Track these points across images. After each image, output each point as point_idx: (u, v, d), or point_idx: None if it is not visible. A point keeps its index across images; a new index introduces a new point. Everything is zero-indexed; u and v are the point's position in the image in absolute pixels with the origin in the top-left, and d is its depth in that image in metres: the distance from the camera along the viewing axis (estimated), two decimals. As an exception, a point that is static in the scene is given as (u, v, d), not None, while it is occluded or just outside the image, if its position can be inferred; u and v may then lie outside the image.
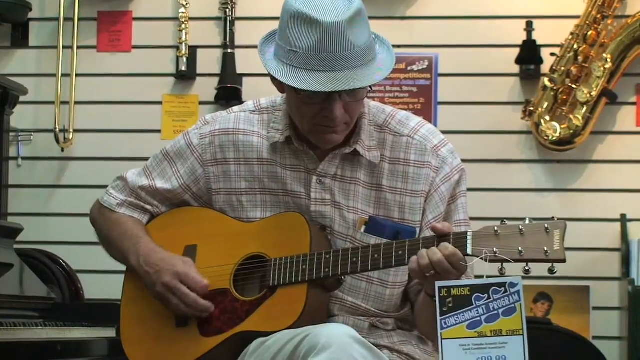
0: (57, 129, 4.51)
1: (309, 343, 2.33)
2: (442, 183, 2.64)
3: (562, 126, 4.34)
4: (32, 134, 4.61)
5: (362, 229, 2.61)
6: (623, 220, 4.35)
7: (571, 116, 4.33)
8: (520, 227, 2.38)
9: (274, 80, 2.58)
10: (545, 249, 2.35)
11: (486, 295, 2.29)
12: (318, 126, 2.55)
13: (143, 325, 2.71)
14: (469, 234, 2.41)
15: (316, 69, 2.47)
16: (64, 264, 4.12)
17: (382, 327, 2.64)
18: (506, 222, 2.41)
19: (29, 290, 3.68)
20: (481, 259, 2.36)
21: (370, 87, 2.54)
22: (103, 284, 4.24)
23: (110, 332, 3.64)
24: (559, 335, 3.92)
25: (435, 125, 4.32)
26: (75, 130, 4.56)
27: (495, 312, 2.28)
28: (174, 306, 2.63)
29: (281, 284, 2.55)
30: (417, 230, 2.62)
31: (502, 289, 2.29)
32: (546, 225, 2.37)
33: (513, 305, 2.28)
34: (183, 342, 2.63)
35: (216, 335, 2.60)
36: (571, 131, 4.34)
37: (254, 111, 2.73)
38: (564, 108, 4.35)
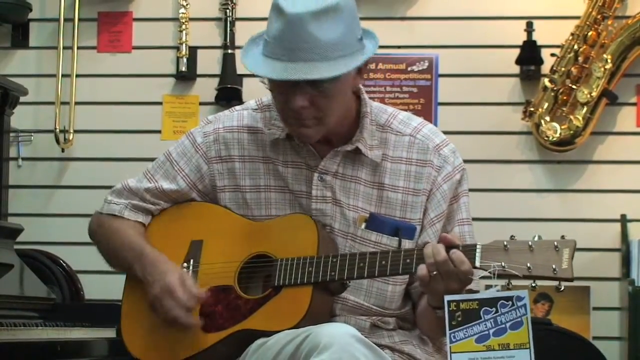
0: (57, 130, 4.51)
1: (310, 343, 2.33)
2: (444, 182, 2.65)
3: (563, 127, 4.34)
4: (32, 134, 4.61)
5: (363, 226, 2.62)
6: (623, 220, 4.35)
7: (571, 117, 4.33)
8: (530, 243, 2.39)
9: None
10: (554, 266, 2.35)
11: (494, 308, 2.30)
12: (288, 118, 2.58)
13: (144, 317, 2.71)
14: (478, 247, 2.41)
15: (278, 57, 2.49)
16: (64, 265, 4.12)
17: (383, 327, 2.64)
18: (516, 237, 2.41)
19: (29, 291, 3.68)
20: (489, 272, 2.37)
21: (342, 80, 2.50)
22: (103, 284, 4.24)
23: (110, 333, 3.64)
24: (559, 335, 3.92)
25: (436, 125, 4.30)
26: (75, 131, 4.56)
27: (503, 325, 2.30)
28: (163, 318, 2.62)
29: (286, 285, 2.55)
30: (418, 227, 2.63)
31: (510, 302, 2.30)
32: (556, 243, 2.38)
33: (520, 319, 2.30)
34: (184, 336, 2.63)
35: (217, 332, 2.60)
36: (571, 132, 4.34)
37: (256, 109, 2.74)
38: (564, 108, 4.35)
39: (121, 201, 2.79)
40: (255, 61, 2.54)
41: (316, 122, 2.56)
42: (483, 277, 2.44)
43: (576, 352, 3.90)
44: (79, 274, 4.16)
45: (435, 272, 2.40)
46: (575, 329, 4.08)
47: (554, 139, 4.35)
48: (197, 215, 2.75)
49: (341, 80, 2.51)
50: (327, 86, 2.50)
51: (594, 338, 4.26)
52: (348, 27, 2.51)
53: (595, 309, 4.36)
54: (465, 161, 2.74)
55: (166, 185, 2.77)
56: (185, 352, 2.63)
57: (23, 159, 4.61)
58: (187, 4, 4.55)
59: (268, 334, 2.49)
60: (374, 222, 2.62)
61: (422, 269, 2.41)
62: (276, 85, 2.54)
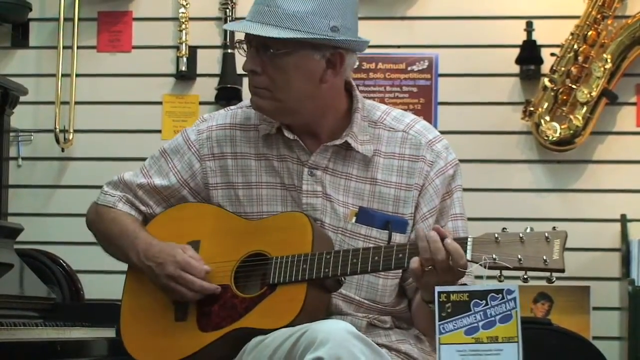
0: (57, 129, 4.51)
1: (307, 339, 2.34)
2: (437, 176, 2.66)
3: (562, 126, 4.34)
4: (32, 134, 4.61)
5: (353, 220, 2.63)
6: (623, 220, 4.35)
7: (571, 116, 4.33)
8: (521, 235, 2.39)
9: None
10: (545, 257, 2.35)
11: (484, 301, 2.30)
12: (249, 86, 2.64)
13: (143, 318, 2.72)
14: (469, 239, 2.42)
15: (247, 17, 2.60)
16: (64, 264, 4.12)
17: (379, 326, 2.65)
18: (507, 230, 2.41)
19: (29, 291, 3.68)
20: (480, 265, 2.37)
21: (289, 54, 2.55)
22: (103, 284, 4.25)
23: (110, 332, 3.64)
24: (559, 335, 3.92)
25: (435, 125, 4.32)
26: (75, 131, 4.56)
27: (492, 318, 2.29)
28: (181, 295, 2.64)
29: (281, 282, 2.55)
30: (409, 221, 2.64)
31: (500, 295, 2.30)
32: (546, 234, 2.38)
33: (509, 312, 2.29)
34: (181, 336, 2.64)
35: (214, 331, 2.61)
36: (571, 131, 4.34)
37: (250, 106, 2.75)
38: (564, 108, 4.35)
39: (116, 193, 2.82)
40: (235, 22, 2.67)
41: (269, 95, 2.61)
42: (477, 277, 2.44)
43: (576, 352, 3.90)
44: (78, 273, 4.16)
45: (430, 267, 2.40)
46: (575, 328, 4.09)
47: (554, 138, 4.35)
48: (194, 216, 2.76)
49: (295, 57, 2.55)
50: (276, 54, 2.55)
51: (594, 338, 4.26)
52: (319, 11, 2.54)
53: (595, 308, 4.36)
54: (465, 161, 2.75)
55: (158, 181, 2.79)
56: (182, 352, 2.63)
57: (23, 158, 4.62)
58: (187, 4, 4.55)
59: (264, 332, 2.49)
60: (364, 216, 2.64)
61: (414, 262, 2.42)
62: (246, 49, 2.62)
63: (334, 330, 2.32)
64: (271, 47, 2.55)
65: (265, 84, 2.59)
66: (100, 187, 2.88)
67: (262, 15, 2.55)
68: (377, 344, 2.51)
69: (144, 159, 2.88)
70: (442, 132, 2.75)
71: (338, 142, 2.64)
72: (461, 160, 2.73)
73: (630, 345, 4.13)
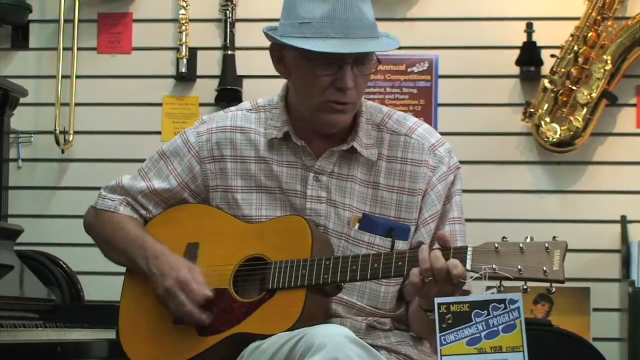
0: (57, 131, 4.52)
1: (304, 344, 2.33)
2: (439, 182, 2.65)
3: (562, 128, 4.35)
4: (32, 135, 4.62)
5: (356, 226, 2.63)
6: (623, 221, 4.35)
7: (571, 118, 4.34)
8: (521, 245, 2.37)
9: (280, 63, 2.61)
10: (545, 268, 2.34)
11: (486, 311, 2.29)
12: (328, 103, 2.56)
13: (142, 320, 2.71)
14: (469, 249, 2.40)
15: (330, 36, 2.51)
16: (64, 266, 4.12)
17: (379, 327, 2.64)
18: (507, 239, 2.40)
19: (29, 292, 3.68)
20: (480, 275, 2.36)
21: (377, 62, 2.59)
22: (103, 285, 4.24)
23: (110, 334, 3.64)
24: (559, 336, 3.92)
25: (435, 126, 4.32)
26: (75, 132, 4.56)
27: (495, 328, 2.28)
28: (171, 312, 2.64)
29: (280, 288, 2.54)
30: (412, 227, 2.64)
31: (502, 305, 2.29)
32: (547, 245, 2.36)
33: (513, 322, 2.28)
34: (180, 340, 2.63)
35: (213, 335, 2.59)
36: (571, 133, 4.34)
37: (250, 109, 2.75)
38: (564, 109, 4.35)
39: (115, 197, 2.80)
40: (304, 42, 2.52)
41: (352, 108, 2.60)
42: (476, 279, 2.44)
43: (576, 353, 3.90)
44: (79, 275, 4.16)
45: (430, 278, 2.39)
46: (575, 330, 4.09)
47: (554, 139, 4.35)
48: (193, 218, 2.74)
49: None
50: (370, 65, 2.56)
51: (594, 339, 4.26)
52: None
53: (595, 310, 4.36)
54: (465, 162, 2.75)
55: (158, 184, 2.77)
56: (181, 355, 2.62)
57: (23, 160, 4.62)
58: (187, 5, 4.55)
59: (263, 337, 2.48)
60: (367, 223, 2.63)
61: (415, 276, 2.41)
62: (323, 67, 2.53)
63: (332, 335, 2.31)
64: (371, 59, 2.56)
65: (355, 97, 2.58)
66: (99, 188, 2.87)
67: (358, 30, 2.52)
68: (377, 346, 2.52)
69: (143, 161, 2.87)
70: (442, 134, 2.74)
71: (345, 147, 2.63)
72: (461, 162, 2.73)
73: (631, 347, 4.13)
